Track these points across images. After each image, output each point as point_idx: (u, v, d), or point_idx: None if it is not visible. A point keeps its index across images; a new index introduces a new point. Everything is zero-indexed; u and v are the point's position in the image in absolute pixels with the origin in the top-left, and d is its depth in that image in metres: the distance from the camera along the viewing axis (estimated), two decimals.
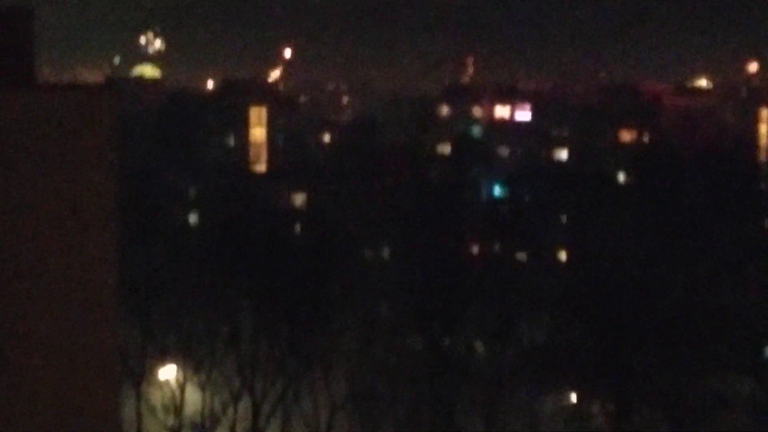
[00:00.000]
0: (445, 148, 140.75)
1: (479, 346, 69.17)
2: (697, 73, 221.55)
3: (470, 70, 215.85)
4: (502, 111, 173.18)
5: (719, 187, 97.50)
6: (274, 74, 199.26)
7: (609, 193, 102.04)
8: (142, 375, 67.48)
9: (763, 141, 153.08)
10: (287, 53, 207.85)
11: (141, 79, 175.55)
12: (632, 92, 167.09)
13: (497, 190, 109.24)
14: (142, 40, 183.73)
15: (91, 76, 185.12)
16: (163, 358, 69.70)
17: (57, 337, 37.83)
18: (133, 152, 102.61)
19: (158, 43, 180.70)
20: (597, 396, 64.57)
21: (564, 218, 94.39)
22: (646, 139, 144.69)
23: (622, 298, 65.34)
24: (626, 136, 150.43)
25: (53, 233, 37.55)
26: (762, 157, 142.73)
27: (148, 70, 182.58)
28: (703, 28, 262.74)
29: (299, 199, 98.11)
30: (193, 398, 68.73)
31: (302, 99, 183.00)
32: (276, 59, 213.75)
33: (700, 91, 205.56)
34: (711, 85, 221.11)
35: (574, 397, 65.86)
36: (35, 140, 37.39)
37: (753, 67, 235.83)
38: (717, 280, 75.38)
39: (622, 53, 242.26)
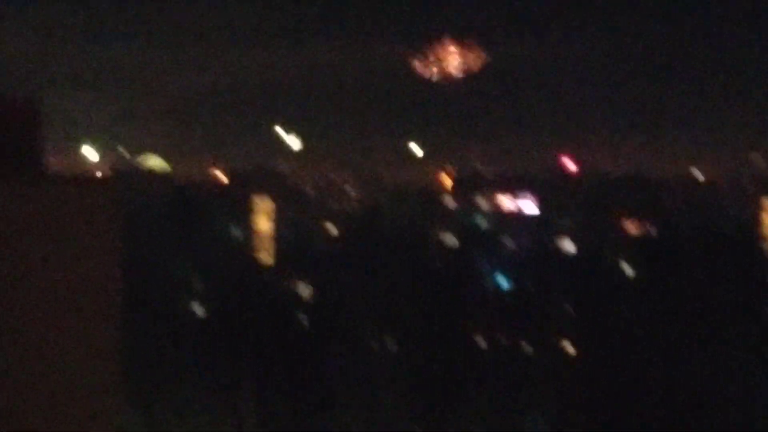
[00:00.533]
0: (451, 239, 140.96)
1: None
2: (698, 163, 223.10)
3: (476, 161, 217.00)
4: (507, 202, 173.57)
5: (724, 278, 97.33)
6: (282, 163, 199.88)
7: (614, 283, 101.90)
8: None
9: (766, 230, 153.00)
10: (295, 143, 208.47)
11: (147, 170, 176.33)
12: (639, 183, 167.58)
13: (502, 281, 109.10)
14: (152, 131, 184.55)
15: (98, 165, 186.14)
16: None
17: (59, 425, 37.73)
18: (138, 243, 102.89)
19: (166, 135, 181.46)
20: None
21: (569, 308, 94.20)
22: (651, 229, 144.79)
23: (629, 394, 65.02)
24: (632, 226, 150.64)
25: (55, 323, 37.63)
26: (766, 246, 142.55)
27: (154, 161, 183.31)
28: (705, 119, 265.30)
29: (304, 289, 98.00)
30: None
31: (308, 189, 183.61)
32: (283, 148, 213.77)
33: (703, 181, 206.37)
34: (712, 175, 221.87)
35: None
36: (39, 231, 37.59)
37: (755, 157, 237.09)
38: (719, 376, 74.99)
39: (625, 143, 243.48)
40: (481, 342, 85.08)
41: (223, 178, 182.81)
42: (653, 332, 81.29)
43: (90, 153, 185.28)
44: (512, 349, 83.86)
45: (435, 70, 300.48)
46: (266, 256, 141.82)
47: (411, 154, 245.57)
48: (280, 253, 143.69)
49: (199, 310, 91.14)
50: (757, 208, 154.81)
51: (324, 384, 67.14)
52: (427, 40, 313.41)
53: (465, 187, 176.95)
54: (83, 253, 39.53)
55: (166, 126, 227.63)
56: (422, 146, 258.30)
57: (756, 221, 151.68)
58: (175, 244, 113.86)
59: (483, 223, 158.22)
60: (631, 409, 62.84)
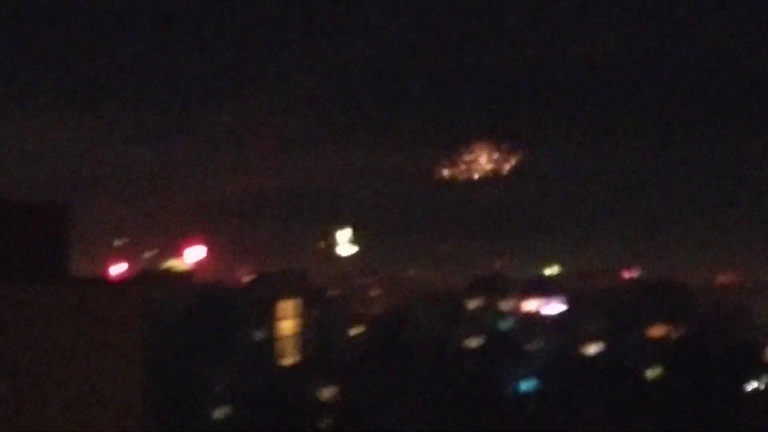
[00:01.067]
0: (474, 342, 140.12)
1: None
2: (723, 269, 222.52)
3: (498, 265, 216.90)
4: (531, 304, 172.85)
5: (747, 383, 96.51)
6: (306, 266, 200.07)
7: (640, 389, 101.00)
8: None
9: None
10: (322, 245, 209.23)
11: (171, 272, 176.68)
12: (665, 287, 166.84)
13: (526, 385, 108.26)
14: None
15: (122, 268, 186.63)
16: None
17: None
18: (162, 345, 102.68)
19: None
20: None
21: (594, 414, 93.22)
22: (677, 335, 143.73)
23: None
24: (658, 331, 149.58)
25: (79, 423, 37.43)
26: None
27: (178, 263, 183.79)
28: (728, 225, 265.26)
29: (329, 392, 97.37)
30: None
31: (331, 292, 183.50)
32: (308, 251, 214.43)
33: (730, 286, 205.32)
34: (739, 281, 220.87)
35: None
36: (64, 332, 37.56)
37: None
38: None
39: (649, 248, 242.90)
40: None
41: (249, 280, 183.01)
42: None
43: (118, 259, 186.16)
44: None
45: (466, 171, 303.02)
46: (290, 357, 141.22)
47: (437, 255, 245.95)
48: (303, 354, 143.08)
49: (221, 412, 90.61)
50: None
51: None
52: (458, 144, 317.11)
53: (491, 289, 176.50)
54: (106, 354, 39.42)
55: (201, 227, 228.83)
56: (447, 250, 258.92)
57: None
58: (198, 345, 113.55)
59: (507, 326, 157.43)
60: None
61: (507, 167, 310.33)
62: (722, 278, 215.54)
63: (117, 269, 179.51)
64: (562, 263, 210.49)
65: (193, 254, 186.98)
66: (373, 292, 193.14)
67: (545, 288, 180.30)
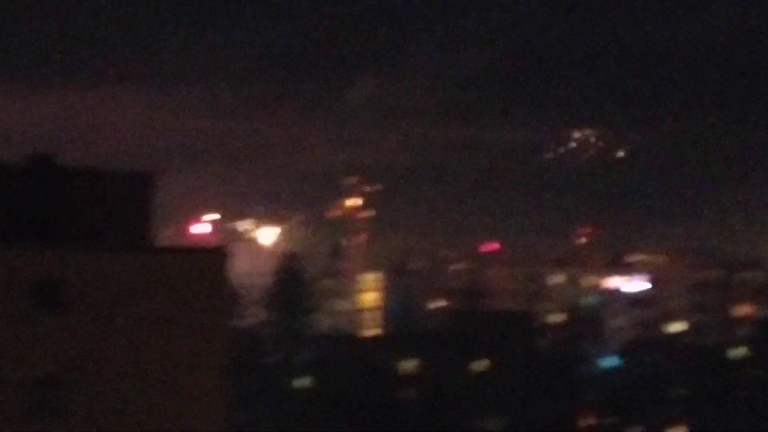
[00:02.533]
0: (558, 318, 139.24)
1: None
2: None
3: (583, 240, 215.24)
4: (615, 282, 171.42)
5: None
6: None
7: (727, 367, 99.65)
8: None
9: None
10: None
11: (258, 239, 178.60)
12: (752, 267, 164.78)
13: (610, 362, 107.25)
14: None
15: (199, 230, 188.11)
16: None
17: None
18: (248, 313, 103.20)
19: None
20: None
21: (679, 392, 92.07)
22: (763, 313, 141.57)
23: None
24: (743, 310, 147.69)
25: (163, 390, 37.81)
26: None
27: (266, 230, 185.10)
28: None
29: (410, 364, 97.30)
30: None
31: (412, 266, 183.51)
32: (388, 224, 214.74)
33: None
34: None
35: None
36: (150, 300, 37.88)
37: None
38: None
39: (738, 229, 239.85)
40: (589, 422, 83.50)
41: (328, 252, 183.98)
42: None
43: (205, 224, 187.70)
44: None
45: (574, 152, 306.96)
46: (373, 328, 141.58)
47: (517, 231, 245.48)
48: (385, 327, 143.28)
49: (304, 381, 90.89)
50: None
51: None
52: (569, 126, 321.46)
53: (572, 266, 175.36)
54: (191, 318, 39.70)
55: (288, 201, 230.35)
56: (529, 226, 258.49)
57: None
58: (280, 314, 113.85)
59: (592, 302, 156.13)
60: None
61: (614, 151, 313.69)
62: None
63: (200, 232, 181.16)
64: (650, 244, 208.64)
65: (274, 232, 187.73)
66: (455, 266, 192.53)
67: (629, 266, 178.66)
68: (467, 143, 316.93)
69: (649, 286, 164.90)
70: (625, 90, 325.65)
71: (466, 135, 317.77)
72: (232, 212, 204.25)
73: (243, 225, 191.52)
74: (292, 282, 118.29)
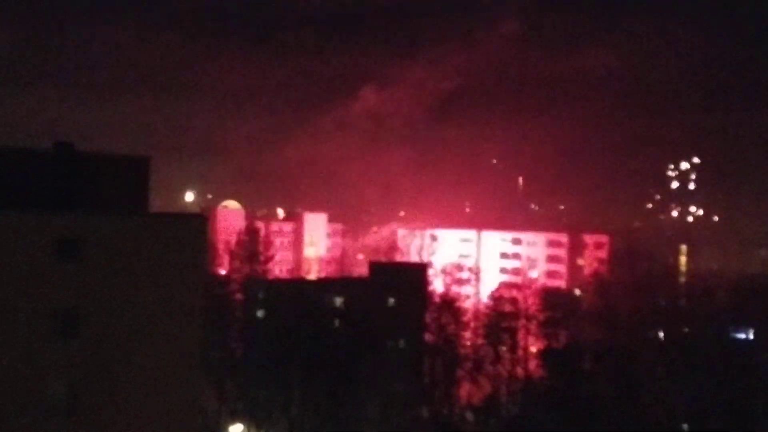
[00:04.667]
0: (449, 266, 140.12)
1: (470, 416, 67.99)
2: None
3: (467, 210, 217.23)
4: (492, 241, 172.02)
5: (648, 299, 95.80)
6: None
7: (569, 303, 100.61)
8: (216, 429, 66.51)
9: None
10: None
11: (227, 209, 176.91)
12: (585, 231, 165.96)
13: (485, 299, 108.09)
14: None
15: (191, 205, 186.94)
16: (233, 419, 68.75)
17: (155, 398, 37.70)
18: (219, 263, 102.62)
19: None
20: None
21: (536, 321, 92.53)
22: (596, 264, 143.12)
23: (578, 383, 63.91)
24: (582, 262, 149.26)
25: (158, 317, 37.70)
26: None
27: (233, 204, 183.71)
28: None
29: (339, 301, 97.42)
30: None
31: (341, 227, 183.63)
32: (324, 199, 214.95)
33: (636, 229, 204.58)
34: None
35: None
36: (147, 253, 37.65)
37: None
38: (647, 368, 73.24)
39: None
40: (470, 341, 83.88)
41: (284, 216, 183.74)
42: (596, 340, 79.84)
43: (189, 197, 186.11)
44: None
45: None
46: (312, 275, 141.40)
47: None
48: (321, 273, 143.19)
49: (261, 312, 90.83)
50: None
51: (351, 371, 66.43)
52: None
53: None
54: (180, 266, 39.48)
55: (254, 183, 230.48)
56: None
57: None
58: (244, 263, 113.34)
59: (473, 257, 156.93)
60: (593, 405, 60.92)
61: None
62: (635, 221, 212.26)
63: (186, 203, 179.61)
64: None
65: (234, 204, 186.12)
66: (376, 230, 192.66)
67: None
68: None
69: (525, 248, 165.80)
70: None
71: None
72: (215, 191, 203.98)
73: (224, 201, 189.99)
74: (253, 239, 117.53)
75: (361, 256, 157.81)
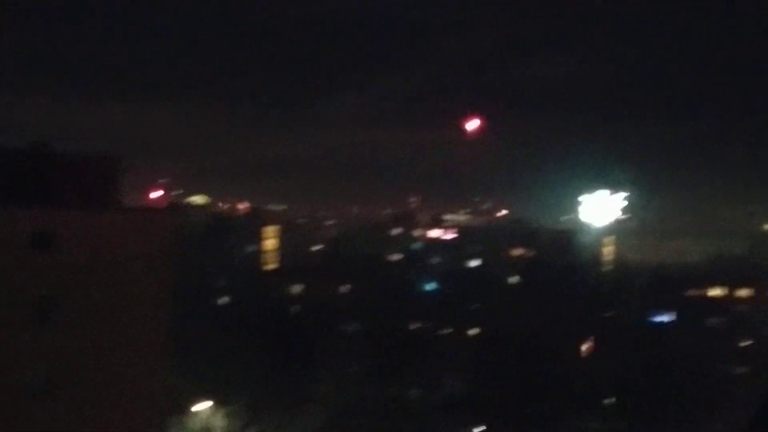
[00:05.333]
0: (396, 257, 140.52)
1: (417, 393, 67.88)
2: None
3: (414, 204, 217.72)
4: (434, 233, 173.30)
5: (576, 286, 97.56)
6: (282, 206, 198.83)
7: (506, 289, 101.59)
8: (184, 407, 65.61)
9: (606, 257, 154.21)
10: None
11: (194, 205, 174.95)
12: (522, 223, 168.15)
13: (430, 286, 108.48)
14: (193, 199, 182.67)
15: (161, 200, 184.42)
16: (198, 397, 67.90)
17: (128, 379, 36.92)
18: (187, 254, 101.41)
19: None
20: (497, 430, 63.20)
21: (475, 305, 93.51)
22: (530, 254, 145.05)
23: (515, 363, 64.43)
24: (517, 251, 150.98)
25: (130, 307, 36.92)
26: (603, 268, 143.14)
27: (199, 199, 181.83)
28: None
29: (297, 288, 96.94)
30: (218, 424, 66.76)
31: (300, 221, 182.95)
32: (286, 195, 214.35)
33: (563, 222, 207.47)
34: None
35: (480, 430, 64.48)
36: (119, 244, 36.74)
37: None
38: (575, 349, 74.63)
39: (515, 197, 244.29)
40: (416, 326, 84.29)
41: (246, 212, 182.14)
42: (531, 319, 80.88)
43: (158, 194, 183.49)
44: (436, 332, 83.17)
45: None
46: (271, 265, 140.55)
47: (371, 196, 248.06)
48: (280, 263, 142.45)
49: (223, 300, 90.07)
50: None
51: (307, 352, 66.08)
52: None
53: (406, 222, 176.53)
54: (148, 260, 38.64)
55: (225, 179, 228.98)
56: (380, 192, 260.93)
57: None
58: (210, 254, 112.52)
59: (420, 246, 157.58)
60: (517, 372, 62.13)
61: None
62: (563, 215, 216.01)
63: (156, 198, 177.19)
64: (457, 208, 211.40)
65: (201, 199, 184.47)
66: (328, 222, 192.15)
67: (444, 222, 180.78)
68: None
69: (456, 235, 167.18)
70: None
71: None
72: (185, 187, 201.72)
73: (194, 197, 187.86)
74: (218, 232, 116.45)
75: (318, 247, 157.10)
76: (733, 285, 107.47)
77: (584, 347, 78.24)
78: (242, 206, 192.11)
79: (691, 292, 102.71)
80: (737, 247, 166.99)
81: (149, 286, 37.65)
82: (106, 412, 36.22)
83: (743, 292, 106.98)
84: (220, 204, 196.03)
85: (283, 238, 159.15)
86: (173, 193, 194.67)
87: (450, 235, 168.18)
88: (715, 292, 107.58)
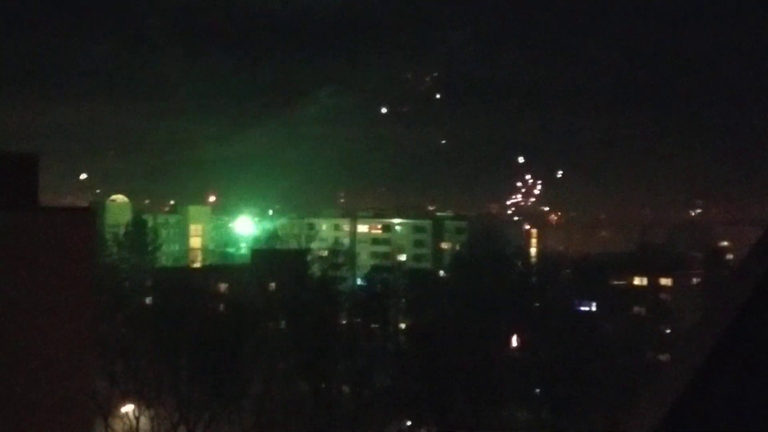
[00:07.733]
0: (325, 252, 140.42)
1: (346, 389, 68.28)
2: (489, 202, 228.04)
3: (342, 201, 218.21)
4: (364, 228, 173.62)
5: (503, 278, 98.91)
6: (212, 200, 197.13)
7: (433, 283, 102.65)
8: (108, 410, 64.85)
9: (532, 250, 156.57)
10: (211, 197, 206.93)
11: (115, 203, 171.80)
12: (447, 218, 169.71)
13: (359, 281, 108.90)
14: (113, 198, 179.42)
15: (80, 200, 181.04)
16: (124, 399, 67.17)
17: (50, 384, 36.40)
18: (109, 254, 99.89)
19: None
20: (425, 423, 64.08)
21: (404, 300, 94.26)
22: (457, 247, 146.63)
23: (442, 355, 65.24)
24: (445, 245, 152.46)
25: (50, 310, 36.37)
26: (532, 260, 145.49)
27: (120, 197, 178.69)
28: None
29: (222, 287, 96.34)
30: (144, 428, 66.20)
31: (226, 218, 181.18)
32: (207, 196, 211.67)
33: (492, 215, 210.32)
34: (500, 211, 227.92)
35: (409, 424, 65.24)
36: (37, 248, 36.18)
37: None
38: (502, 340, 75.99)
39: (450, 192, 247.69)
40: (344, 321, 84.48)
41: (169, 210, 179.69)
42: (459, 314, 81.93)
43: (75, 192, 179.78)
44: (365, 327, 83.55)
45: None
46: (196, 263, 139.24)
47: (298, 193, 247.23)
48: (205, 261, 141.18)
49: (148, 300, 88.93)
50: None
51: (234, 350, 65.79)
52: None
53: (336, 217, 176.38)
54: (68, 258, 38.12)
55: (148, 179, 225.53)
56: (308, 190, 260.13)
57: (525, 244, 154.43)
58: (133, 254, 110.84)
59: (347, 241, 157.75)
60: (444, 365, 62.83)
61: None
62: (490, 209, 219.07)
63: (76, 197, 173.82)
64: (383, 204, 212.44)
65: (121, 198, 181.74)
66: (256, 218, 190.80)
67: (375, 218, 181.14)
68: None
69: (386, 230, 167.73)
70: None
71: None
72: (105, 187, 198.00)
73: (115, 196, 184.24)
74: (140, 231, 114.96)
75: (243, 245, 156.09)
76: (655, 274, 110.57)
77: (511, 338, 79.75)
78: (165, 205, 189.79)
79: (615, 282, 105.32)
80: (658, 237, 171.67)
81: (69, 287, 37.21)
82: (26, 417, 35.71)
83: (665, 281, 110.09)
84: (147, 202, 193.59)
85: (210, 236, 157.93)
86: (95, 192, 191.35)
87: (377, 231, 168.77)
88: (638, 281, 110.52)
